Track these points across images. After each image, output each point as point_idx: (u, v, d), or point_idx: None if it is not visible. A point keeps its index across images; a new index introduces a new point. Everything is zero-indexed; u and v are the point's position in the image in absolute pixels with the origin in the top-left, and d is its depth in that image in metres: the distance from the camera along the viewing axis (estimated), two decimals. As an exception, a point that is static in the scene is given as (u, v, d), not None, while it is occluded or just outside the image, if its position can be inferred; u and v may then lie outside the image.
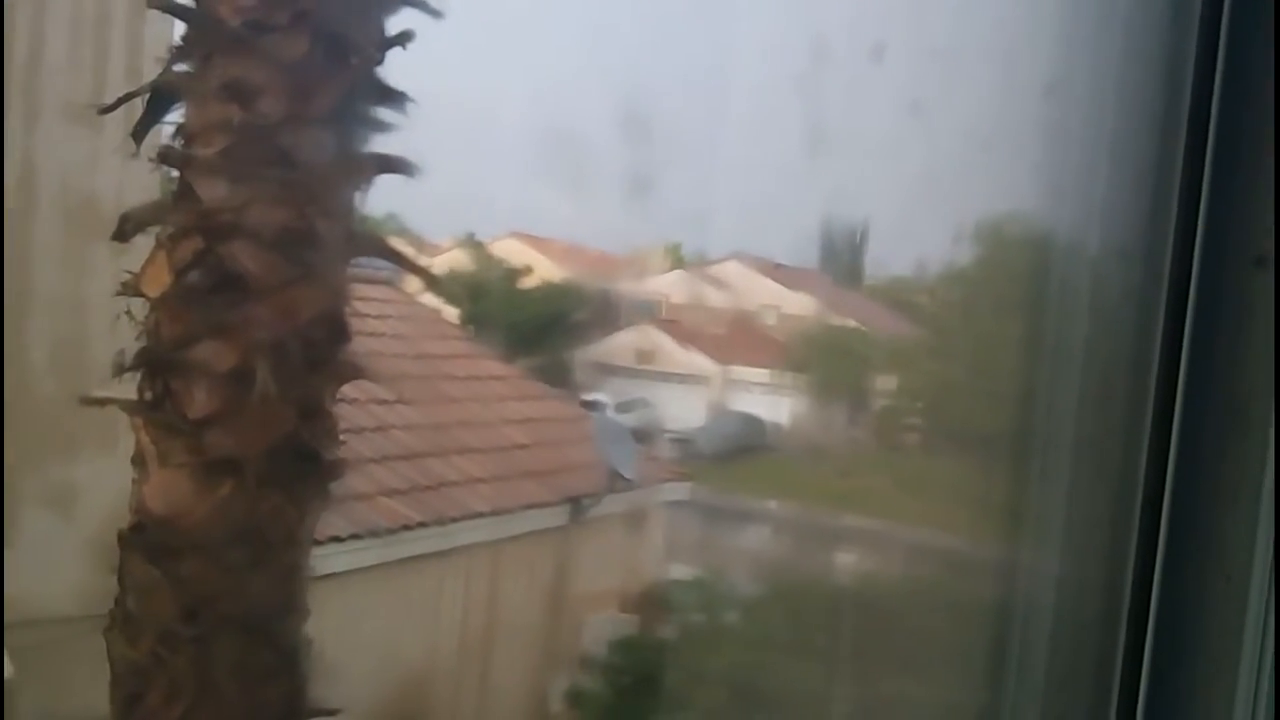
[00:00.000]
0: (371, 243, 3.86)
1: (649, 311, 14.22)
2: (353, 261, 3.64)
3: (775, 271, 13.75)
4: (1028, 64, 1.38)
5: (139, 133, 3.46)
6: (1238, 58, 1.16)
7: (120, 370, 3.32)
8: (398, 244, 4.65)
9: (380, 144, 3.50)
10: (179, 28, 3.50)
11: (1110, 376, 1.29)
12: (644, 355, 13.52)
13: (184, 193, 3.34)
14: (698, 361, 13.48)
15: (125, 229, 3.40)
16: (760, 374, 12.72)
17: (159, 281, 3.30)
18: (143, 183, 3.90)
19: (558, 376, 12.09)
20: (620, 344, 13.75)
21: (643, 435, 11.25)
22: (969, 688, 1.51)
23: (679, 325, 14.13)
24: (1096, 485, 1.30)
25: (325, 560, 5.53)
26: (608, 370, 13.60)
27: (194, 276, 3.29)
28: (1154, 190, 1.22)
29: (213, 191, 3.29)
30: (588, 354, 13.65)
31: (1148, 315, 1.22)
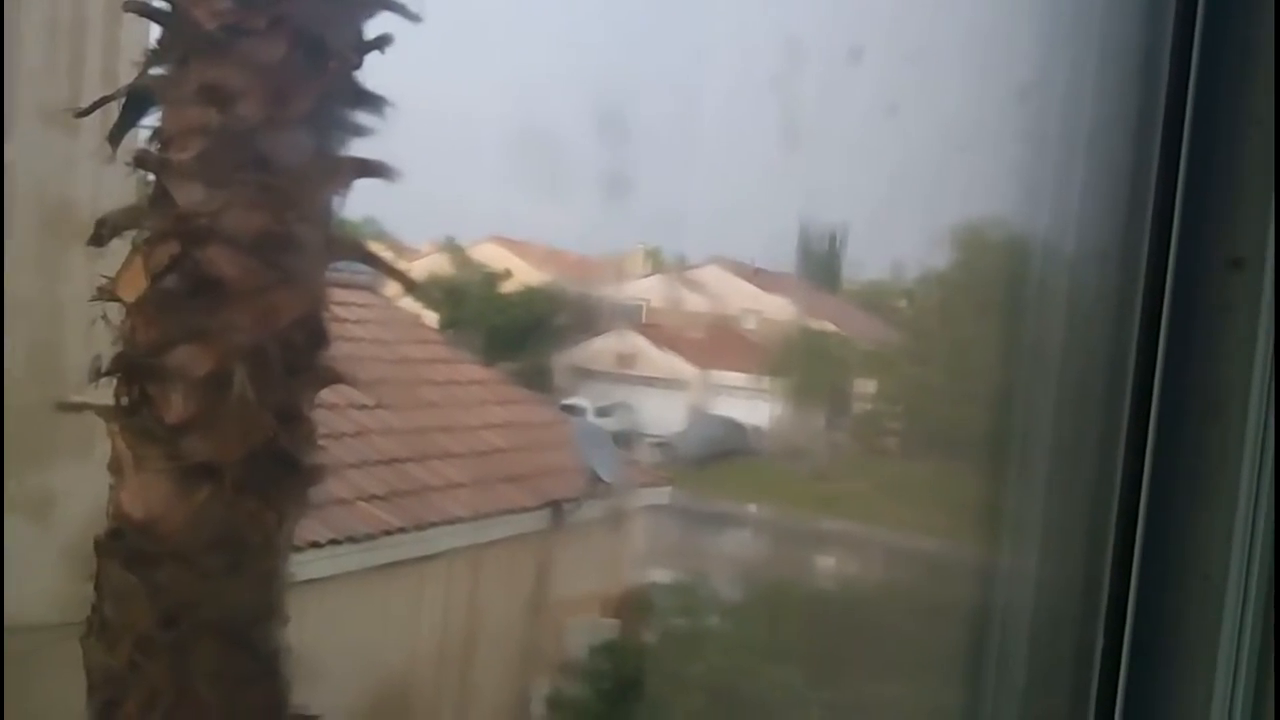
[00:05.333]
0: (350, 247, 3.85)
1: (629, 315, 14.23)
2: (331, 266, 3.63)
3: (754, 275, 13.77)
4: (1003, 66, 1.39)
5: (115, 136, 3.44)
6: (1212, 59, 1.17)
7: (96, 375, 3.30)
8: (376, 248, 4.64)
9: (358, 148, 3.49)
10: (155, 31, 3.49)
11: (1087, 378, 1.30)
12: (624, 359, 13.52)
13: (160, 197, 3.32)
14: (677, 365, 13.49)
15: (101, 233, 3.38)
16: (740, 378, 12.73)
17: (135, 286, 3.28)
18: (119, 187, 3.87)
19: (538, 381, 12.07)
20: (600, 348, 13.75)
21: (623, 439, 11.24)
22: (949, 689, 1.51)
23: (658, 329, 14.14)
24: (1074, 487, 1.31)
25: (305, 566, 5.50)
26: (588, 374, 13.59)
27: (170, 281, 3.28)
28: (1130, 192, 1.23)
29: (189, 195, 3.28)
30: (568, 358, 13.64)
31: (1124, 317, 1.23)
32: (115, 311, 3.32)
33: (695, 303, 14.39)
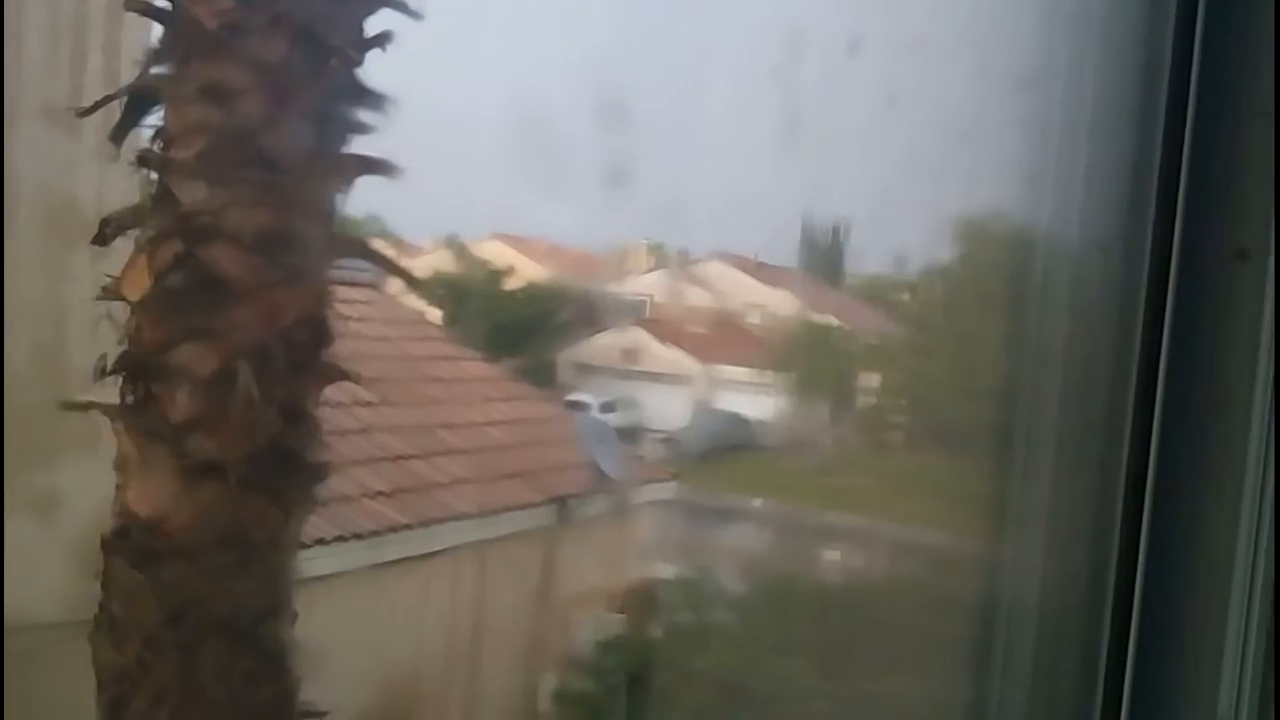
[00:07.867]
0: (353, 245, 3.84)
1: (633, 311, 14.23)
2: (334, 263, 3.63)
3: (757, 269, 13.77)
4: (1005, 57, 1.38)
5: (118, 136, 3.44)
6: (1214, 50, 1.17)
7: (101, 374, 3.30)
8: (379, 246, 4.64)
9: (361, 145, 3.49)
10: (157, 30, 3.49)
11: (1092, 370, 1.30)
12: (627, 355, 13.53)
13: (163, 196, 3.32)
14: (681, 360, 13.49)
15: (105, 233, 3.38)
16: (743, 373, 12.73)
17: (139, 285, 3.28)
18: (122, 186, 3.88)
19: (542, 377, 12.08)
20: (604, 344, 13.75)
21: (627, 435, 11.25)
22: (956, 681, 1.51)
23: (662, 324, 14.14)
24: (1079, 478, 1.31)
25: (311, 563, 5.51)
26: (591, 370, 13.60)
27: (174, 280, 3.28)
28: (1133, 183, 1.23)
29: (192, 194, 3.28)
30: (571, 354, 13.64)
31: (1128, 309, 1.22)
32: (120, 311, 3.33)
33: (698, 297, 14.39)
